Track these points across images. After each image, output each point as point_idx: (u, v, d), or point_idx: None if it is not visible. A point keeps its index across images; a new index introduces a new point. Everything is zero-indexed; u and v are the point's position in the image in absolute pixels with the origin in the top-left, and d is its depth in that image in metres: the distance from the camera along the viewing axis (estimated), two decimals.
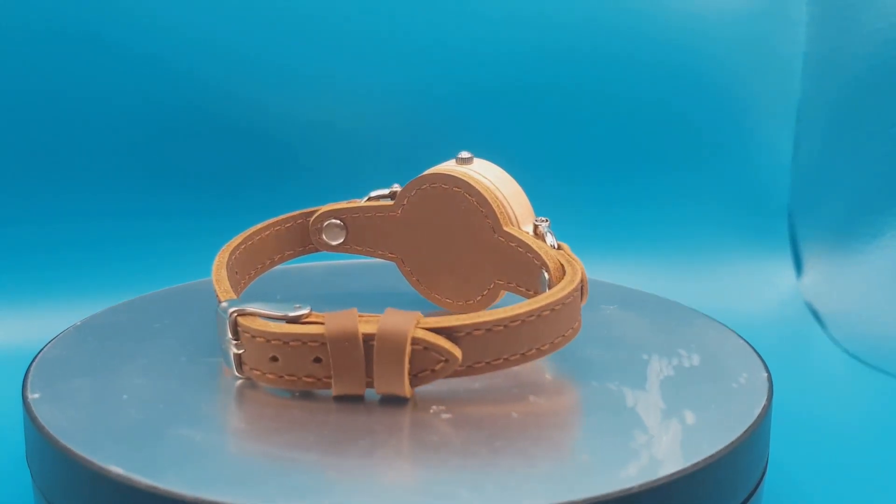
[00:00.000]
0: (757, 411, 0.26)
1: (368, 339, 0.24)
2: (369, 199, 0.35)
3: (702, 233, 0.56)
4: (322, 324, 0.25)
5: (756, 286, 0.55)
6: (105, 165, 0.49)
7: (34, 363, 0.29)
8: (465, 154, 0.33)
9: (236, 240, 0.33)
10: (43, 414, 0.25)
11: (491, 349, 0.25)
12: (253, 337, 0.25)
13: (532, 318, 0.25)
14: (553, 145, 0.55)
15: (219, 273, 0.29)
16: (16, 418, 0.33)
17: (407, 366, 0.24)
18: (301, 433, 0.24)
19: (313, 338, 0.24)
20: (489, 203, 0.31)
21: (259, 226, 0.34)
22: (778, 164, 0.57)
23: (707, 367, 0.30)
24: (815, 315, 0.53)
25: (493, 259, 0.32)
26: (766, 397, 0.27)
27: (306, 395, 0.26)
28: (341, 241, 0.36)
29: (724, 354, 0.31)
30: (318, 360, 0.25)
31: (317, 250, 0.36)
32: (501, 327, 0.25)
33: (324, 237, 0.35)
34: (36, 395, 0.26)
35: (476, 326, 0.25)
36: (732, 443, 0.24)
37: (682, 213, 0.56)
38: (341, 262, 0.42)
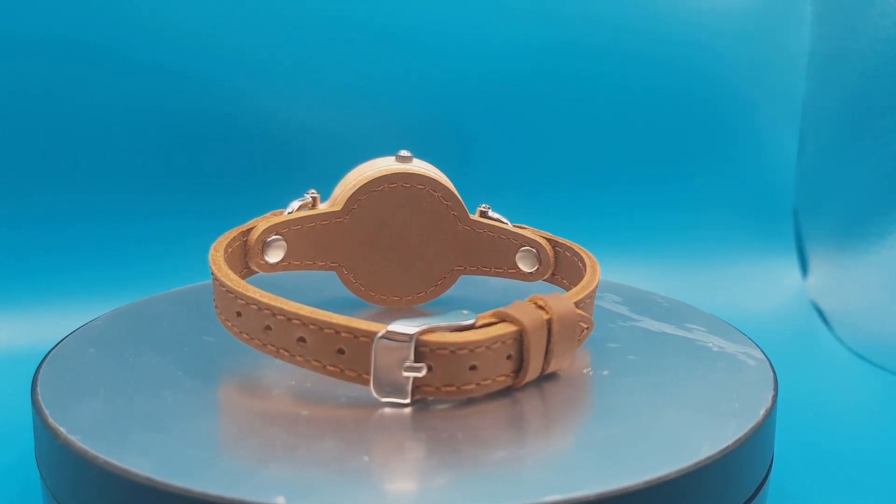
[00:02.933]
0: (762, 410, 0.26)
1: (548, 324, 0.26)
2: (296, 209, 0.33)
3: (707, 233, 0.56)
4: (497, 323, 0.25)
5: (761, 286, 0.55)
6: (107, 167, 0.49)
7: (44, 363, 0.29)
8: (405, 153, 0.34)
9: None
10: (54, 413, 0.25)
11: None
12: (452, 352, 0.24)
13: (589, 299, 0.29)
14: (556, 146, 0.55)
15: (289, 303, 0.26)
16: (25, 419, 0.33)
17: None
18: (313, 433, 0.24)
19: (511, 335, 0.25)
20: (456, 196, 0.34)
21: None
22: (783, 165, 0.57)
23: (712, 366, 0.30)
24: (821, 314, 0.53)
25: (456, 249, 0.34)
26: (771, 396, 0.27)
27: (315, 396, 0.26)
28: (280, 258, 0.32)
29: (730, 353, 0.31)
30: (509, 356, 0.25)
31: (253, 273, 0.32)
32: (588, 300, 0.29)
33: (266, 257, 0.32)
34: (46, 395, 0.26)
35: (582, 300, 0.28)
36: (737, 440, 0.24)
37: (687, 213, 0.56)
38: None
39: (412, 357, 0.24)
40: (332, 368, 0.25)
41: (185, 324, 0.33)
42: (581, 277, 0.32)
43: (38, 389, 0.27)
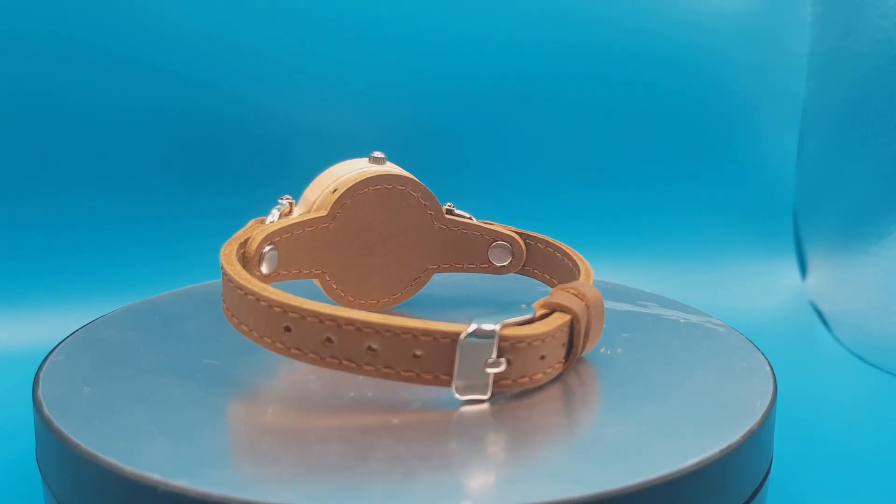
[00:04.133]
0: (761, 411, 0.26)
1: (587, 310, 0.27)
2: (277, 217, 0.32)
3: (707, 233, 0.56)
4: (551, 313, 0.27)
5: (761, 286, 0.55)
6: (109, 167, 0.49)
7: (45, 363, 0.29)
8: (378, 154, 0.34)
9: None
10: (55, 413, 0.25)
11: None
12: (529, 344, 0.25)
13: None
14: (556, 147, 0.55)
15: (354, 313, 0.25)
16: (27, 419, 0.33)
17: None
18: (322, 432, 0.24)
19: (567, 323, 0.27)
20: (432, 196, 0.34)
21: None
22: (783, 165, 0.57)
23: (711, 366, 0.30)
24: (820, 315, 0.53)
25: (432, 247, 0.35)
26: (770, 397, 0.27)
27: (324, 394, 0.27)
28: (273, 269, 0.31)
29: (729, 354, 0.31)
30: (563, 344, 0.27)
31: None
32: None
33: (262, 269, 0.30)
34: (47, 395, 0.26)
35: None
36: (736, 441, 0.24)
37: (687, 213, 0.56)
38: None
39: (495, 353, 0.25)
40: (406, 374, 0.25)
41: (186, 324, 0.33)
42: (559, 267, 0.34)
43: (40, 389, 0.27)
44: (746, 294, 0.54)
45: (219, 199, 0.51)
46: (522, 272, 0.36)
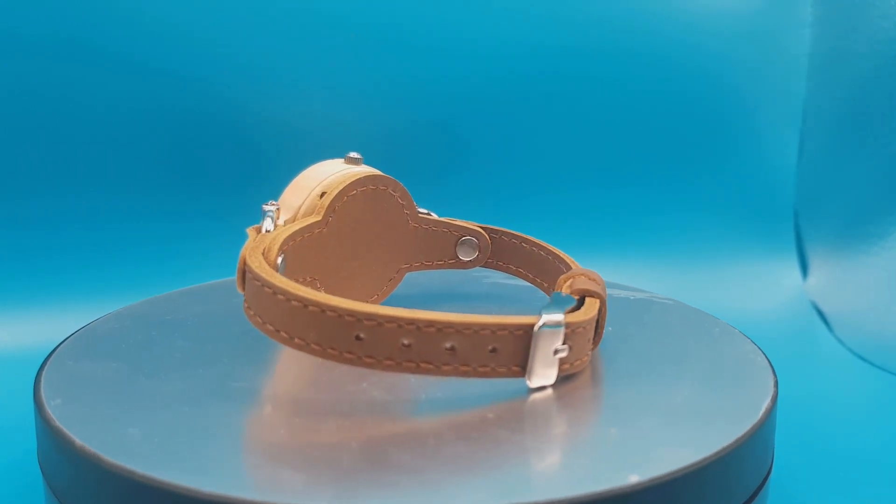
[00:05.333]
0: (762, 410, 0.26)
1: None
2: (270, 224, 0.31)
3: (708, 234, 0.56)
4: (585, 299, 0.28)
5: (762, 286, 0.55)
6: (112, 168, 0.49)
7: (47, 363, 0.29)
8: (355, 154, 0.34)
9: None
10: (56, 413, 0.25)
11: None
12: (584, 328, 0.27)
13: None
14: (557, 148, 0.55)
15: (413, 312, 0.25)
16: (28, 418, 0.33)
17: None
18: (329, 431, 0.24)
19: (599, 307, 0.28)
20: (408, 195, 0.35)
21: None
22: (784, 165, 0.57)
23: (712, 366, 0.30)
24: (821, 315, 0.53)
25: (407, 247, 0.35)
26: (771, 397, 0.27)
27: (329, 393, 0.27)
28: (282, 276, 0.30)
29: (730, 354, 0.31)
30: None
31: None
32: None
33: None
34: (48, 395, 0.26)
35: None
36: (737, 440, 0.24)
37: (688, 214, 0.56)
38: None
39: (561, 340, 0.26)
40: (483, 369, 0.25)
41: (188, 324, 0.33)
42: (529, 257, 0.36)
43: (41, 389, 0.27)
44: (747, 294, 0.54)
45: (220, 201, 0.51)
46: (488, 265, 0.38)
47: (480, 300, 0.38)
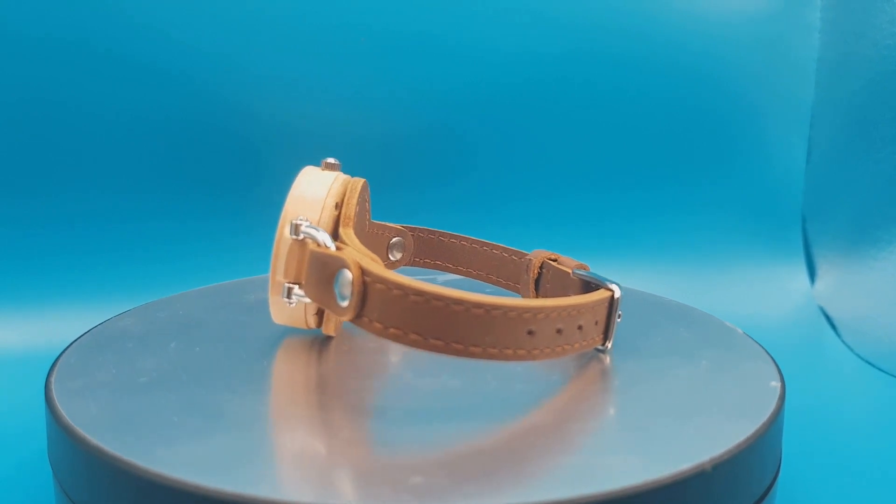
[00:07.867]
0: (769, 414, 0.26)
1: None
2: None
3: (716, 238, 0.56)
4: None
5: (770, 291, 0.55)
6: (120, 169, 0.49)
7: (58, 363, 0.29)
8: (332, 160, 0.33)
9: None
10: (67, 411, 0.25)
11: None
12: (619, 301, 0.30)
13: None
14: (564, 152, 0.55)
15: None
16: (39, 418, 0.34)
17: None
18: (335, 430, 0.24)
19: None
20: (369, 198, 0.36)
21: None
22: (791, 171, 0.57)
23: (721, 370, 0.30)
24: (829, 320, 0.53)
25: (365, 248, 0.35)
26: (778, 400, 0.27)
27: (336, 390, 0.27)
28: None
29: (738, 358, 0.31)
30: None
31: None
32: None
33: None
34: (60, 394, 0.26)
35: None
36: (744, 441, 0.24)
37: (696, 218, 0.56)
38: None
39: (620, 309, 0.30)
40: (577, 345, 0.28)
41: (201, 324, 0.33)
42: (456, 252, 0.38)
43: (52, 388, 0.27)
44: (755, 299, 0.54)
45: (227, 201, 0.51)
46: (413, 264, 0.39)
47: None
